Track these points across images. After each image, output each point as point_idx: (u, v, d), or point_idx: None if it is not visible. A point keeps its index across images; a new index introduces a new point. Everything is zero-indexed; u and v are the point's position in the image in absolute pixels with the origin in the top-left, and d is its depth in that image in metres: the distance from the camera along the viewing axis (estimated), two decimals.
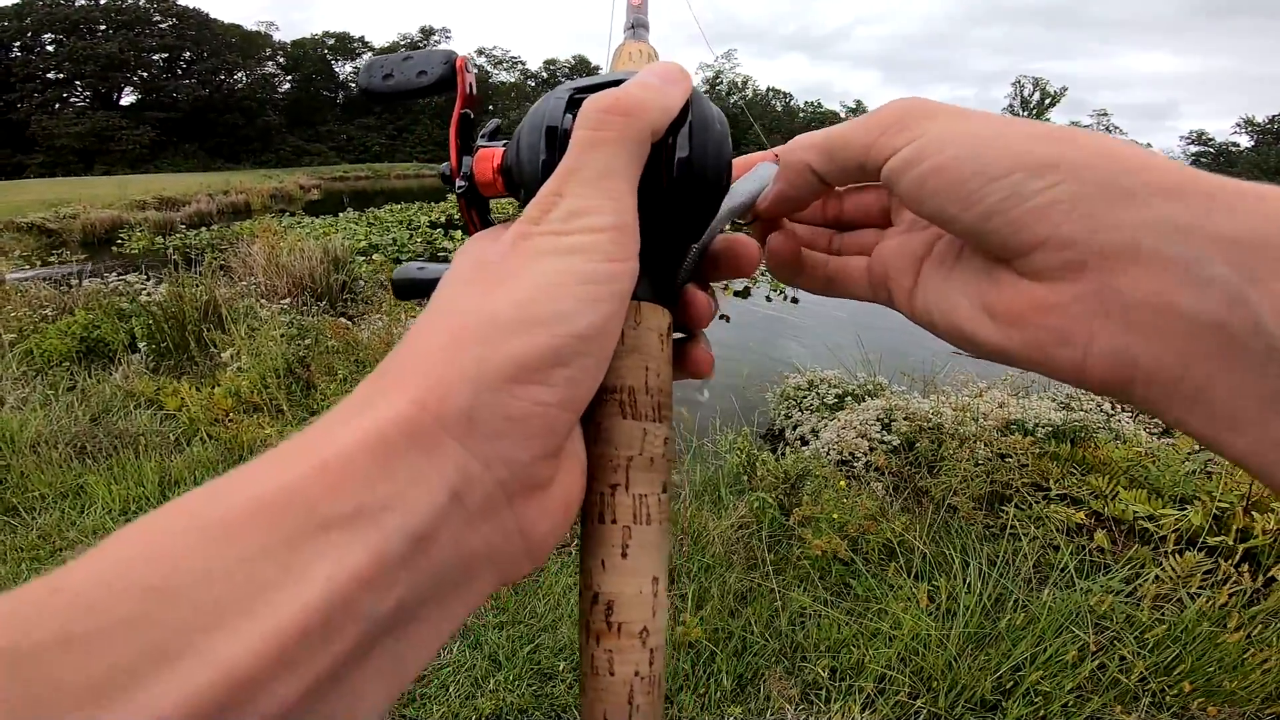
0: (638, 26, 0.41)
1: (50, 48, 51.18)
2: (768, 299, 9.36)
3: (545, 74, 73.08)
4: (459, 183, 0.32)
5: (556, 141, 0.26)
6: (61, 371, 3.76)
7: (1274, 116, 66.64)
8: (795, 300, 9.22)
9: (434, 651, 0.20)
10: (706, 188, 0.27)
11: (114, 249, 11.14)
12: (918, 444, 3.06)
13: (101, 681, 0.14)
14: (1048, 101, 77.24)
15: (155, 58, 53.90)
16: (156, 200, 17.74)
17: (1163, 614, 2.03)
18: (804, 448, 3.63)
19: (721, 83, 75.50)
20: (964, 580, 2.17)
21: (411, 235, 11.75)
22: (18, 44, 50.79)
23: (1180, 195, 0.19)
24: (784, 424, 4.21)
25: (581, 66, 72.80)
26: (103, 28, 52.22)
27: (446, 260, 0.31)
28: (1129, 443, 2.95)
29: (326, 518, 0.17)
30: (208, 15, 55.86)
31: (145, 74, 53.72)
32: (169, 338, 4.10)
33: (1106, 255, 0.20)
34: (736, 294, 9.06)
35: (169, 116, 51.96)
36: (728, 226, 0.32)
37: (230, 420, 3.11)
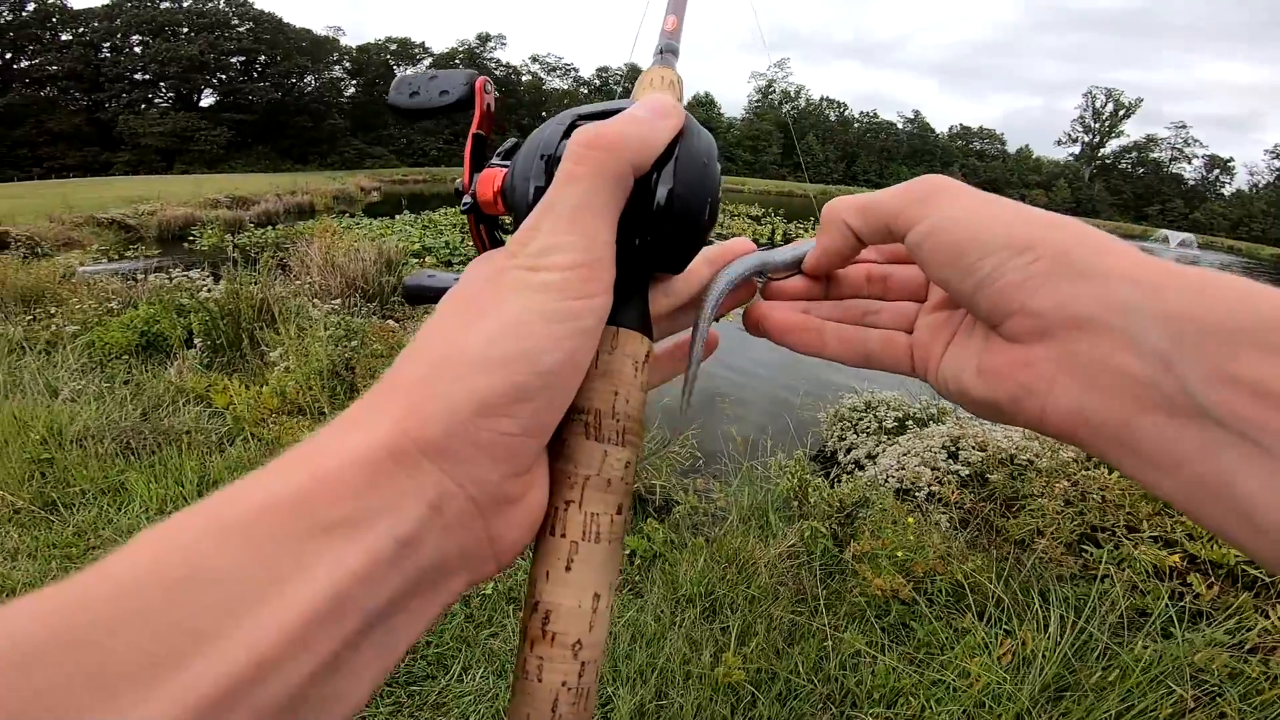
0: (666, 52, 0.40)
1: (137, 49, 53.80)
2: None
3: (598, 81, 73.82)
4: (465, 199, 0.33)
5: (550, 169, 0.27)
6: (119, 365, 3.85)
7: None
8: None
9: (415, 639, 0.23)
10: (688, 222, 0.28)
11: (186, 245, 11.60)
12: (991, 477, 2.81)
13: (152, 661, 0.16)
14: (1121, 113, 73.67)
15: (233, 60, 56.28)
16: (229, 199, 18.47)
17: (1267, 668, 1.78)
18: (859, 473, 3.42)
19: (774, 92, 74.72)
20: (1043, 627, 1.95)
21: (464, 239, 11.89)
22: (107, 45, 53.47)
23: (1131, 279, 0.23)
24: (837, 446, 3.99)
25: (634, 74, 72.84)
26: (185, 30, 54.58)
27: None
28: None
29: (328, 521, 0.20)
30: (281, 19, 58.01)
31: (224, 76, 56.15)
32: (224, 334, 4.17)
33: (1068, 325, 0.24)
34: None
35: (244, 118, 54.26)
36: (761, 280, 0.34)
37: (273, 421, 3.10)
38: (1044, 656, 1.83)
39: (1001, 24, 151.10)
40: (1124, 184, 72.18)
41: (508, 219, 0.32)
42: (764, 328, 0.35)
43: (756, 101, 74.41)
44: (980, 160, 76.47)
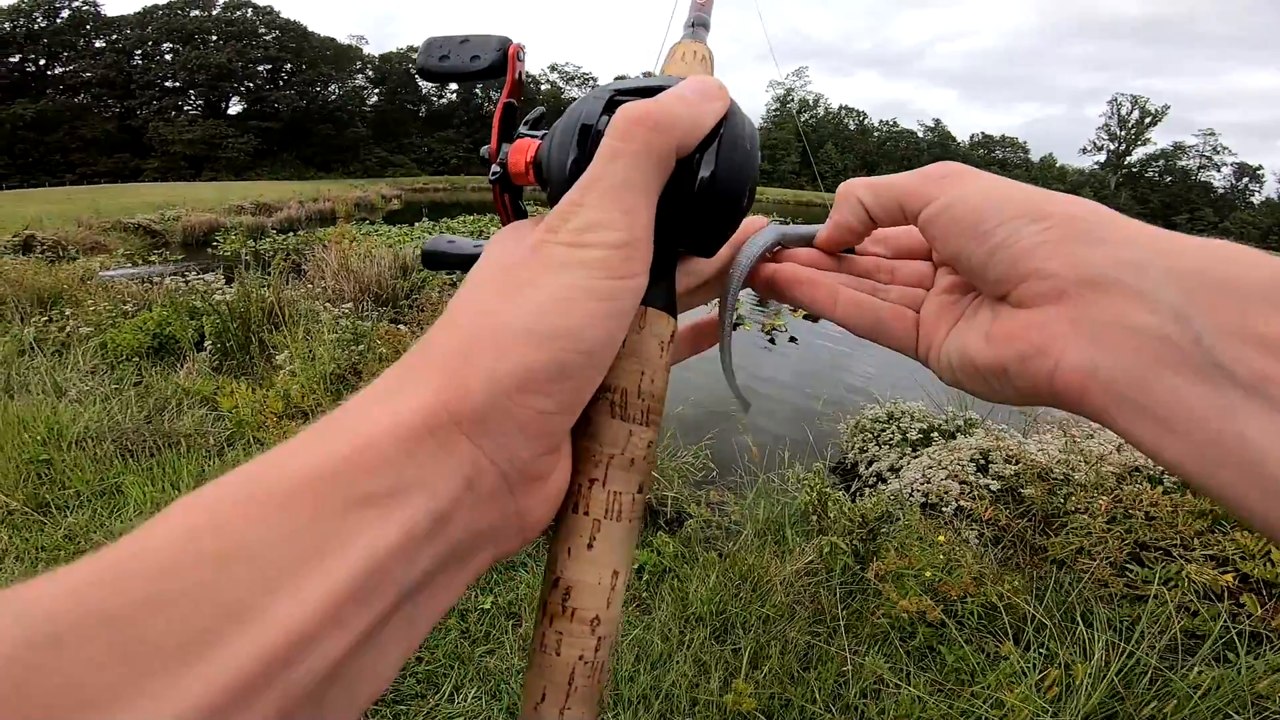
0: (698, 25, 0.39)
1: (168, 56, 55.09)
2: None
3: None
4: (494, 168, 0.33)
5: (589, 141, 0.27)
6: (129, 367, 3.83)
7: None
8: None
9: (442, 613, 0.22)
10: (727, 205, 0.28)
11: (210, 250, 11.78)
12: (1025, 491, 2.66)
13: (189, 641, 0.15)
14: (1148, 120, 72.35)
15: (260, 69, 57.48)
16: (253, 205, 18.80)
17: None
18: (882, 486, 3.28)
19: (792, 100, 74.55)
20: (1086, 651, 1.80)
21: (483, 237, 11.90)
22: (139, 52, 54.83)
23: (1142, 243, 0.24)
24: (858, 459, 3.84)
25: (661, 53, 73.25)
26: (214, 38, 55.85)
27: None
28: None
29: (366, 494, 0.19)
30: (306, 28, 59.07)
31: (251, 84, 57.35)
32: (234, 337, 4.14)
33: (1081, 285, 0.24)
34: (806, 316, 8.68)
35: (270, 126, 55.35)
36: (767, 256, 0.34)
37: (276, 425, 3.04)
38: (1090, 684, 1.69)
39: (1023, 32, 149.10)
40: (1151, 193, 70.84)
41: (536, 191, 0.32)
42: (774, 281, 0.33)
43: (775, 110, 74.32)
44: (1003, 169, 75.41)
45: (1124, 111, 73.50)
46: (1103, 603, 1.99)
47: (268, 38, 57.16)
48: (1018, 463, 2.88)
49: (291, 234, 13.34)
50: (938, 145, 75.32)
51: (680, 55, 0.35)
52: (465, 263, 0.36)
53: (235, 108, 57.89)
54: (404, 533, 0.19)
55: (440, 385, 0.22)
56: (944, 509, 2.78)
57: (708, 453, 3.33)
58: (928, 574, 1.98)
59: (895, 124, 78.17)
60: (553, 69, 71.20)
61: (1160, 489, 2.57)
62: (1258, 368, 0.20)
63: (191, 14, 55.26)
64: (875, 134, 76.07)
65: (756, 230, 0.34)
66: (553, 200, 0.28)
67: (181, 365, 3.91)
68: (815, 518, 2.66)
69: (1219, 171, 71.13)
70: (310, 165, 55.64)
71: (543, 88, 68.30)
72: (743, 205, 0.28)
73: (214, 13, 55.97)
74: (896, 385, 4.85)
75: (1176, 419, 0.21)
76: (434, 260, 0.38)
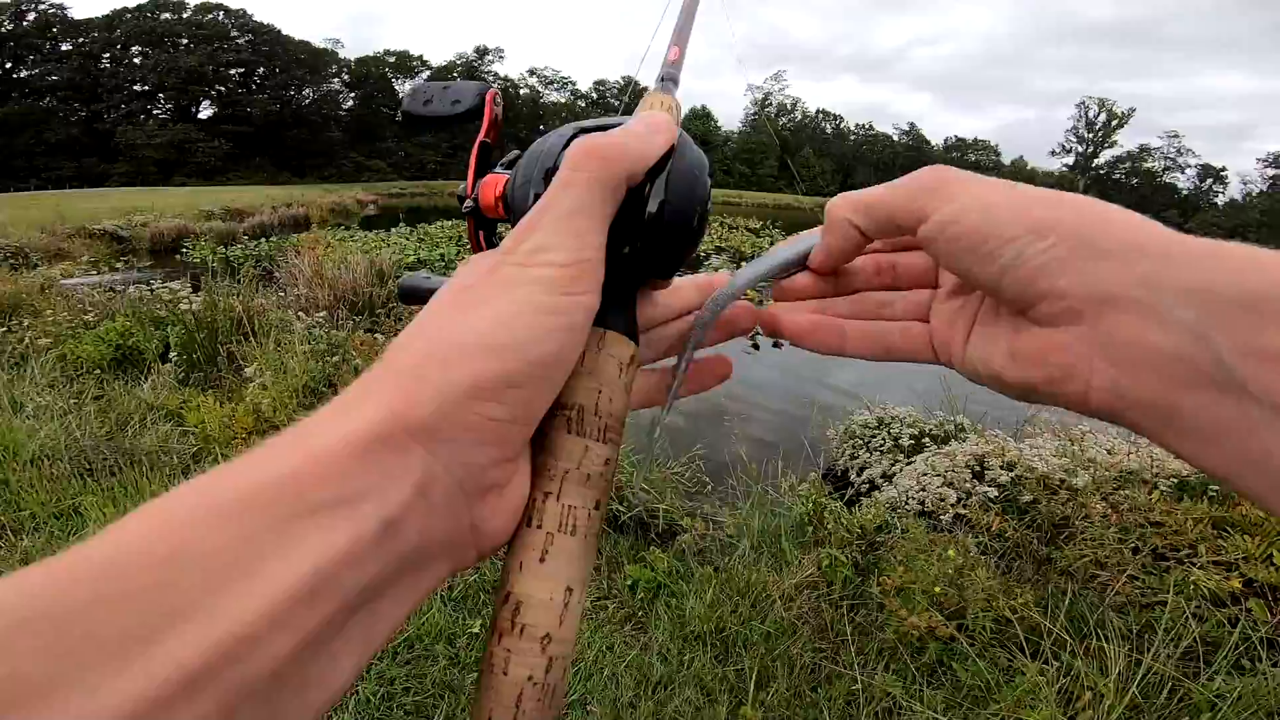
0: (667, 80, 0.40)
1: (137, 60, 53.84)
2: None
3: (595, 94, 74.18)
4: (467, 202, 0.36)
5: (548, 178, 0.28)
6: (91, 379, 3.64)
7: None
8: None
9: (397, 625, 0.23)
10: (677, 230, 0.29)
11: (179, 257, 11.47)
12: (1028, 499, 2.60)
13: (132, 637, 0.16)
14: (1114, 123, 74.19)
15: (232, 72, 56.50)
16: (223, 211, 18.37)
17: None
18: (876, 494, 3.21)
19: (770, 104, 75.11)
20: (1102, 663, 1.73)
21: (460, 252, 11.79)
22: (107, 55, 53.52)
23: (1149, 254, 0.23)
24: (849, 465, 3.78)
25: (631, 87, 73.22)
26: (185, 41, 54.73)
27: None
28: None
29: (314, 503, 0.20)
30: (280, 31, 58.14)
31: (222, 88, 56.36)
32: (201, 349, 3.96)
33: (1094, 304, 0.24)
34: None
35: (242, 130, 54.28)
36: (756, 292, 0.35)
37: (245, 441, 2.89)
38: (1113, 697, 1.62)
39: (999, 36, 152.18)
40: (1118, 194, 72.46)
41: (504, 228, 0.33)
42: (781, 331, 0.34)
43: (753, 115, 74.84)
44: (975, 171, 76.58)
45: (1091, 114, 75.35)
46: (1114, 611, 1.94)
47: (240, 41, 56.21)
48: (1013, 469, 2.84)
49: (264, 240, 13.06)
50: (913, 149, 76.45)
51: (649, 104, 0.37)
52: None
53: (206, 111, 56.81)
54: (352, 539, 0.20)
55: (393, 398, 0.22)
56: (942, 516, 2.72)
57: (699, 463, 3.24)
58: (937, 589, 1.90)
59: (871, 127, 79.22)
60: (531, 73, 70.95)
61: (1158, 493, 2.54)
62: (1273, 384, 0.20)
63: (161, 17, 54.14)
64: (852, 137, 76.95)
65: (723, 284, 0.33)
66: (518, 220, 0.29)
67: (145, 378, 3.73)
68: (811, 529, 2.58)
69: (1184, 173, 73.22)
70: (284, 170, 54.71)
71: (521, 91, 67.99)
72: (692, 228, 0.30)
73: (185, 15, 54.87)
74: (883, 387, 4.80)
75: (1207, 435, 0.22)
76: (410, 296, 0.39)
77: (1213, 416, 0.21)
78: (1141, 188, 72.53)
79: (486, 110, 0.37)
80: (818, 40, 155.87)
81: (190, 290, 4.69)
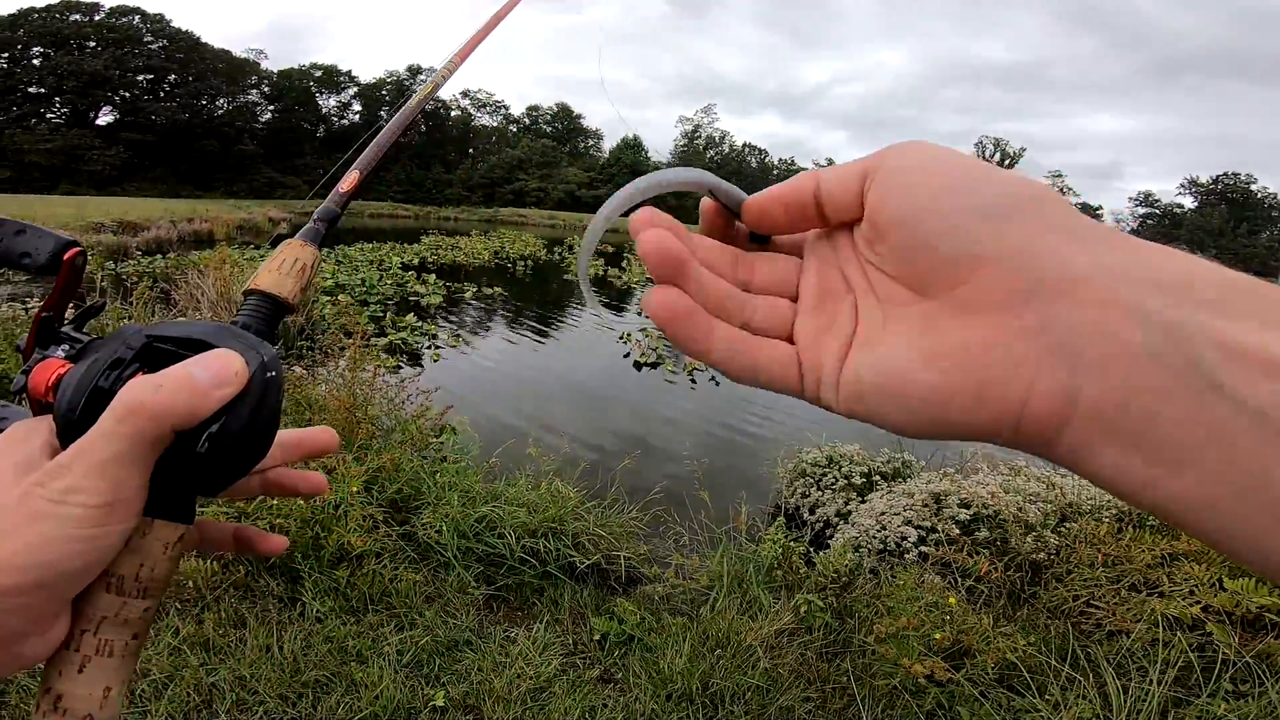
0: (321, 221, 0.38)
1: (36, 61, 49.92)
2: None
3: (528, 120, 74.26)
4: (19, 376, 0.33)
5: (98, 400, 0.28)
6: None
7: (1216, 177, 69.38)
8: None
9: None
10: (222, 472, 0.30)
11: None
12: (986, 535, 2.60)
13: None
14: (1007, 162, 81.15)
15: (140, 78, 52.93)
16: (115, 223, 16.91)
17: None
18: (835, 533, 3.16)
19: (700, 137, 77.53)
20: (1102, 696, 1.70)
21: (382, 276, 11.32)
22: (5, 55, 49.35)
23: (1114, 244, 0.21)
24: (800, 503, 3.74)
25: (564, 114, 74.19)
26: (92, 44, 51.13)
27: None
28: None
29: None
30: (199, 39, 55.02)
31: (127, 94, 52.60)
32: None
33: (1049, 287, 0.20)
34: None
35: (143, 139, 50.63)
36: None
37: None
38: None
39: (906, 76, 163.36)
40: None
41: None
42: (649, 304, 0.26)
43: (683, 146, 76.92)
44: None
45: (987, 154, 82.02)
46: (1096, 644, 1.93)
47: (153, 46, 52.79)
48: (969, 506, 2.86)
49: (160, 256, 12.09)
50: None
51: (279, 264, 0.35)
52: None
53: (106, 118, 52.73)
54: None
55: None
56: (905, 555, 2.69)
57: (656, 509, 3.09)
58: (938, 635, 1.83)
59: (793, 162, 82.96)
60: (465, 94, 70.13)
61: (1105, 526, 2.61)
62: (1264, 392, 0.17)
63: (70, 18, 50.28)
64: (775, 172, 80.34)
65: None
66: (60, 433, 0.29)
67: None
68: (781, 573, 2.48)
69: None
70: (186, 182, 51.30)
71: (453, 113, 67.12)
72: (241, 466, 0.30)
73: (97, 18, 51.12)
74: (827, 426, 4.81)
75: (1178, 451, 0.18)
76: None
77: (1190, 427, 0.18)
78: None
79: (61, 273, 0.33)
80: (743, 76, 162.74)
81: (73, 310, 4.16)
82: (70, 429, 0.28)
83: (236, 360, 0.29)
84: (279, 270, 0.35)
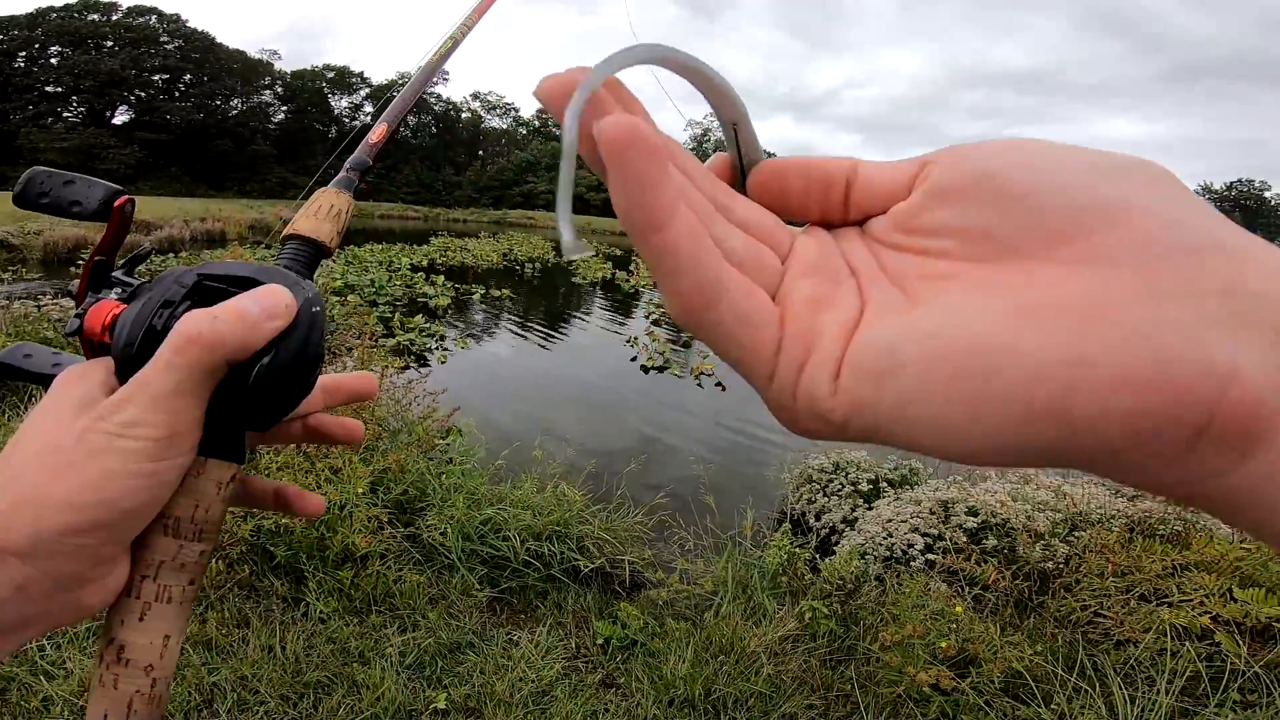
0: (351, 170, 0.39)
1: (54, 60, 50.47)
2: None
3: (537, 122, 74.50)
4: (73, 319, 0.34)
5: (153, 337, 0.29)
6: None
7: (1231, 184, 68.71)
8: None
9: None
10: (275, 403, 0.31)
11: (73, 269, 10.51)
12: (993, 544, 2.58)
13: None
14: None
15: (155, 78, 53.41)
16: None
17: None
18: (841, 540, 3.14)
19: (709, 140, 77.65)
20: (1108, 707, 1.68)
21: (391, 277, 11.36)
22: (23, 54, 49.91)
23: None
24: (806, 510, 3.71)
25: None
26: (109, 44, 51.62)
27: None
28: (1228, 541, 2.49)
29: None
30: (214, 39, 55.45)
31: (143, 93, 53.07)
32: None
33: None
34: None
35: (158, 138, 51.10)
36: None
37: None
38: None
39: (922, 80, 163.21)
40: None
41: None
42: (608, 124, 0.17)
43: (692, 149, 76.80)
44: None
45: None
46: (1104, 653, 1.90)
47: (169, 46, 53.29)
48: (977, 515, 2.83)
49: (173, 255, 12.21)
50: None
51: (315, 209, 0.36)
52: (39, 380, 0.36)
53: (122, 117, 53.28)
54: None
55: None
56: (911, 563, 2.66)
57: (662, 514, 3.08)
58: (944, 644, 1.81)
59: None
60: (475, 97, 70.45)
61: (1114, 535, 2.58)
62: None
63: (88, 18, 50.85)
64: None
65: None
66: (118, 370, 0.30)
67: (28, 409, 3.25)
68: (786, 579, 2.46)
69: None
70: (201, 182, 51.71)
71: (464, 115, 67.40)
72: (291, 399, 0.31)
73: (115, 18, 51.69)
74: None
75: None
76: (7, 373, 0.37)
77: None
78: None
79: (112, 219, 0.34)
80: (755, 79, 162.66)
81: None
82: (128, 365, 0.29)
83: (286, 294, 0.30)
84: (316, 215, 0.36)
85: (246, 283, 0.31)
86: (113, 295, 0.34)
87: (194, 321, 0.27)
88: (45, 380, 0.35)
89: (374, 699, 1.80)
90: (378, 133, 0.41)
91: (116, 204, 0.34)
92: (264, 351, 0.29)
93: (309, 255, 0.35)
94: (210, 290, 0.31)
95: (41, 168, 0.36)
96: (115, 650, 0.29)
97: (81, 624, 1.84)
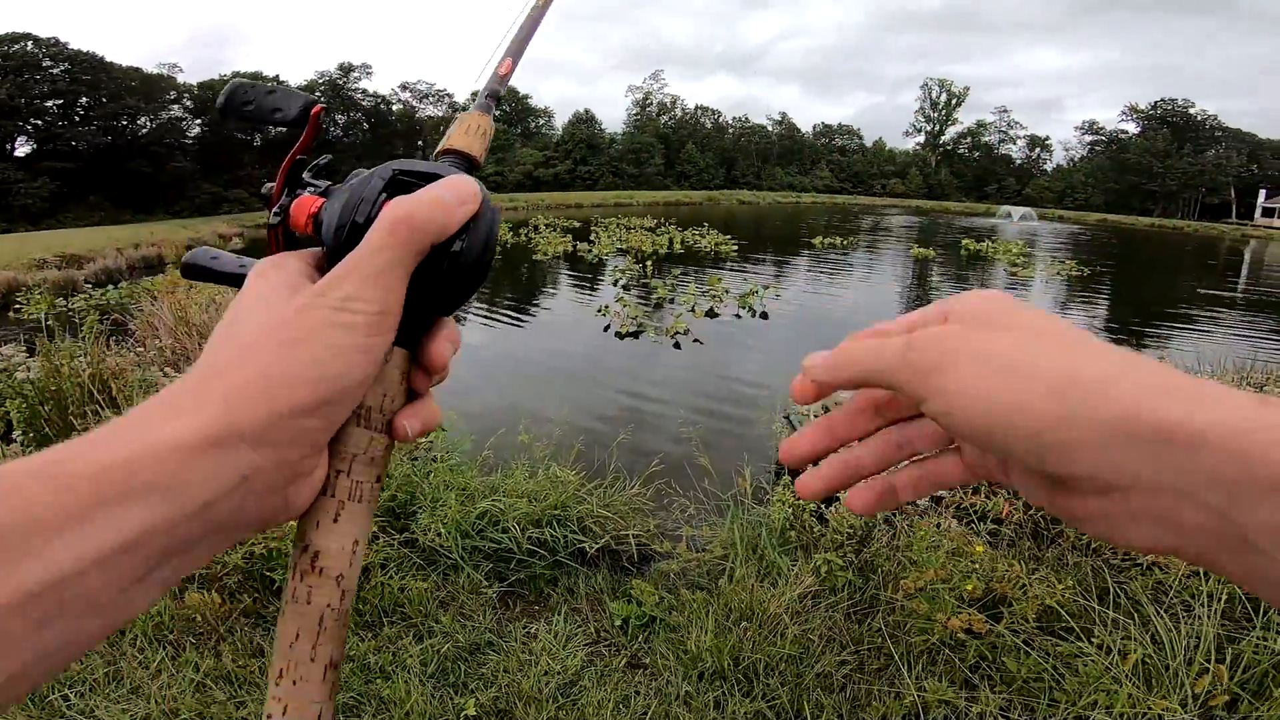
0: (490, 97, 0.42)
1: None
2: (737, 315, 8.96)
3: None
4: (275, 213, 0.38)
5: (362, 222, 0.32)
6: None
7: (1156, 103, 70.81)
8: (764, 315, 8.87)
9: (200, 566, 0.28)
10: (469, 281, 0.33)
11: (11, 314, 9.91)
12: None
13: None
14: (954, 102, 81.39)
15: (49, 104, 50.15)
16: (59, 258, 16.14)
17: None
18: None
19: (651, 104, 76.22)
20: (1152, 638, 1.69)
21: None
22: None
23: (1176, 444, 0.22)
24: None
25: (511, 96, 72.18)
26: None
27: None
28: None
29: (142, 485, 0.24)
30: (103, 59, 51.82)
31: (39, 121, 49.86)
32: (49, 423, 3.29)
33: (1124, 484, 0.24)
34: (707, 314, 8.67)
35: (68, 167, 48.25)
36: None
37: None
38: (1173, 669, 1.56)
39: (849, 27, 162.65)
40: (965, 168, 79.75)
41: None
42: (853, 508, 0.33)
43: (635, 115, 75.54)
44: (843, 155, 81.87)
45: (934, 95, 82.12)
46: (1131, 579, 1.92)
47: (55, 71, 49.79)
48: None
49: (113, 287, 11.60)
50: (786, 137, 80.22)
51: (466, 128, 0.39)
52: (228, 280, 0.39)
53: (24, 149, 50.00)
54: (174, 512, 0.24)
55: (225, 409, 0.26)
56: (917, 501, 2.67)
57: (658, 482, 3.04)
58: (969, 586, 1.79)
59: (747, 120, 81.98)
60: (404, 87, 67.70)
61: None
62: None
63: None
64: (730, 131, 79.46)
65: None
66: (327, 255, 0.33)
67: None
68: (795, 533, 2.45)
69: (1015, 144, 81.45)
70: (125, 206, 49.08)
71: (395, 107, 64.90)
72: (482, 278, 0.34)
73: None
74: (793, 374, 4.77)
75: (1251, 573, 0.23)
76: (196, 273, 0.40)
77: (1249, 567, 0.22)
78: (983, 160, 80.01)
79: (310, 125, 0.38)
80: (692, 41, 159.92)
81: (27, 354, 3.93)
82: (337, 251, 0.31)
83: (474, 182, 0.33)
84: (468, 133, 0.39)
85: (435, 178, 0.32)
86: (309, 192, 0.37)
87: (404, 205, 0.30)
88: (232, 279, 0.38)
89: (403, 714, 1.73)
90: (505, 66, 0.43)
91: (314, 111, 0.38)
92: (457, 235, 0.31)
93: (465, 168, 0.37)
94: (404, 184, 0.32)
95: (243, 79, 0.39)
96: (310, 557, 0.30)
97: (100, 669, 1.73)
